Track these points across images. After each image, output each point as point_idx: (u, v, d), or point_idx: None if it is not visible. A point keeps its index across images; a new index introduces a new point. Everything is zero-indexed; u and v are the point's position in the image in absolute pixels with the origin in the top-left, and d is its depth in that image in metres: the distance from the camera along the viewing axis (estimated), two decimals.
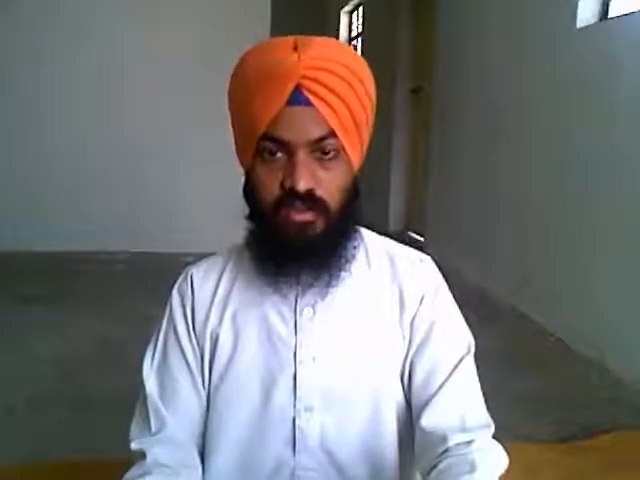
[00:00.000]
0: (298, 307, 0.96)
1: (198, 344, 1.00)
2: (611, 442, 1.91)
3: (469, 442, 0.89)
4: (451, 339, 0.97)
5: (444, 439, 0.90)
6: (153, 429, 0.96)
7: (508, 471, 0.89)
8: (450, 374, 0.95)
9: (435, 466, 0.89)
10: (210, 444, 0.99)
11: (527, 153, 3.65)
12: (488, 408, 0.97)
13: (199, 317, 1.00)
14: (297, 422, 0.95)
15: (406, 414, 0.98)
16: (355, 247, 0.97)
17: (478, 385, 0.98)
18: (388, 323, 0.98)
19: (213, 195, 4.46)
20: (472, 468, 0.84)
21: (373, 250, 1.02)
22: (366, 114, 0.92)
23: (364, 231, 1.02)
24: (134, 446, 0.96)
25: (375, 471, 0.97)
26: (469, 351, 0.98)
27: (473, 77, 4.36)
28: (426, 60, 5.37)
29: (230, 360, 0.98)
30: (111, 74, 4.60)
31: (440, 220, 4.82)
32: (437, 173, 5.00)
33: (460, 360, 0.96)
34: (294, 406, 0.95)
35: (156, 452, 0.93)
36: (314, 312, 0.96)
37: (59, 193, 4.62)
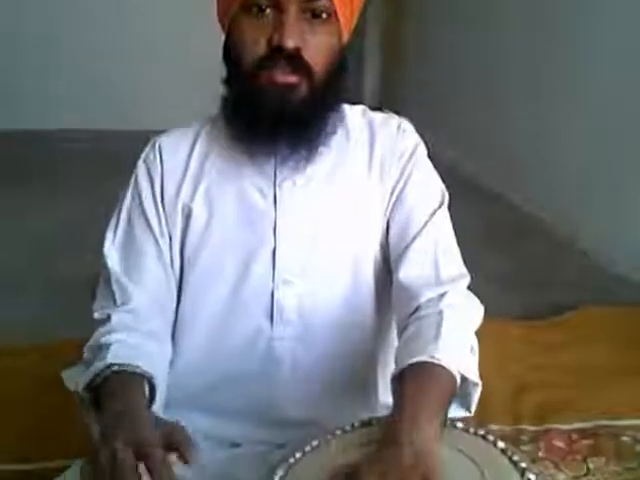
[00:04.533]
0: (277, 180, 0.94)
1: (167, 219, 0.97)
2: (578, 318, 1.97)
3: (441, 295, 0.90)
4: (425, 192, 0.98)
5: (417, 295, 0.91)
6: (118, 302, 0.94)
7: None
8: (424, 225, 0.95)
9: (406, 327, 0.91)
10: (183, 322, 0.98)
11: (500, 23, 3.51)
12: None
13: (169, 190, 0.97)
14: (275, 295, 0.95)
15: (386, 282, 0.99)
16: (336, 122, 0.94)
17: (452, 237, 0.99)
18: (368, 192, 0.97)
19: (184, 68, 4.24)
20: (437, 333, 0.85)
21: (353, 122, 0.99)
22: None
23: (345, 105, 0.99)
24: (98, 315, 0.94)
25: (352, 340, 0.98)
26: (443, 203, 0.98)
27: None
28: None
29: (204, 236, 0.96)
30: None
31: (414, 96, 4.72)
32: (413, 49, 4.82)
33: (434, 212, 0.96)
34: (273, 280, 0.95)
35: (123, 317, 0.92)
36: (293, 184, 0.94)
37: (23, 69, 4.34)
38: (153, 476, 0.68)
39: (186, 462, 0.73)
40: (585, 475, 1.22)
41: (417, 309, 0.92)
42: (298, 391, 0.97)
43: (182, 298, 0.98)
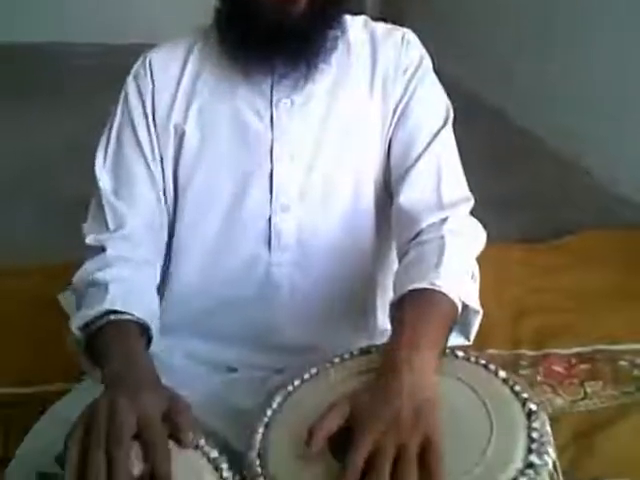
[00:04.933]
0: (274, 99, 0.90)
1: (158, 138, 0.93)
2: (579, 240, 1.95)
3: (443, 220, 0.88)
4: (429, 109, 0.94)
5: (418, 220, 0.89)
6: (111, 226, 0.91)
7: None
8: (427, 145, 0.92)
9: (406, 253, 0.88)
10: (179, 247, 0.96)
11: None
12: None
13: (160, 108, 0.92)
14: (273, 221, 0.92)
15: (386, 206, 0.96)
16: (337, 36, 0.89)
17: (457, 158, 0.95)
18: (370, 111, 0.93)
19: None
20: (438, 260, 0.83)
21: (355, 35, 0.94)
22: None
23: (347, 16, 0.93)
24: (90, 241, 0.91)
25: (351, 265, 0.97)
26: (448, 121, 0.94)
27: None
28: None
29: (198, 158, 0.92)
30: None
31: (417, 7, 4.54)
32: None
33: (438, 131, 0.93)
34: (270, 205, 0.92)
35: (117, 246, 0.90)
36: (291, 104, 0.90)
37: None
38: (148, 451, 0.66)
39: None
40: (582, 399, 1.23)
41: (418, 234, 0.89)
42: (296, 316, 0.96)
43: (177, 222, 0.95)
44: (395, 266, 1.00)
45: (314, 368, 0.81)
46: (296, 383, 0.79)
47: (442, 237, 0.86)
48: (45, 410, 0.89)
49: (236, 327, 0.97)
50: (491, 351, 1.39)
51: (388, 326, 0.85)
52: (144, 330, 0.84)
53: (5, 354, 1.42)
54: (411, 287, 0.80)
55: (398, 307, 0.80)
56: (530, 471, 0.62)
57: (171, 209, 0.96)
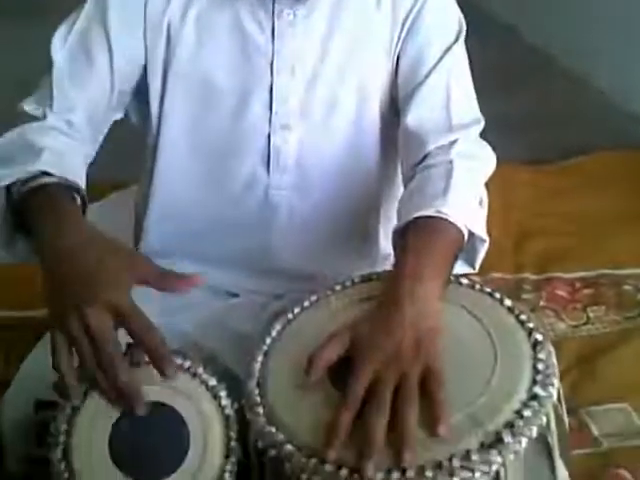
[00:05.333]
0: (275, 10, 0.85)
1: (146, 35, 0.88)
2: (588, 162, 1.90)
3: (452, 143, 0.84)
4: (441, 22, 0.89)
5: (426, 141, 0.85)
6: (56, 109, 0.86)
7: None
8: (437, 61, 0.87)
9: (413, 177, 0.85)
10: (171, 162, 0.92)
11: None
12: None
13: (154, 4, 0.87)
14: (272, 139, 0.89)
15: (392, 128, 0.92)
16: None
17: (468, 76, 0.91)
18: (377, 24, 0.88)
19: None
20: (446, 186, 0.79)
21: None
22: None
23: None
24: (30, 109, 0.86)
25: (353, 189, 0.94)
26: (459, 36, 0.89)
27: None
28: None
29: (193, 67, 0.88)
30: None
31: None
32: None
33: (449, 47, 0.88)
34: (269, 122, 0.88)
35: (59, 122, 0.85)
36: (294, 16, 0.85)
37: None
38: (144, 345, 0.64)
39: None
40: (585, 324, 1.22)
41: (425, 157, 0.85)
42: (295, 241, 0.94)
43: (165, 133, 0.91)
44: (400, 192, 0.97)
45: (314, 295, 0.79)
46: (296, 310, 0.77)
47: (450, 161, 0.82)
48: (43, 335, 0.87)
49: (234, 251, 0.95)
50: (494, 275, 1.37)
51: (391, 252, 0.83)
52: (80, 197, 0.80)
53: (4, 276, 1.41)
54: (416, 214, 0.77)
55: (402, 234, 0.78)
56: (534, 403, 0.60)
57: (156, 118, 0.91)
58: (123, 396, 0.63)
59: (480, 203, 0.83)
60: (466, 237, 0.78)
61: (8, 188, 0.76)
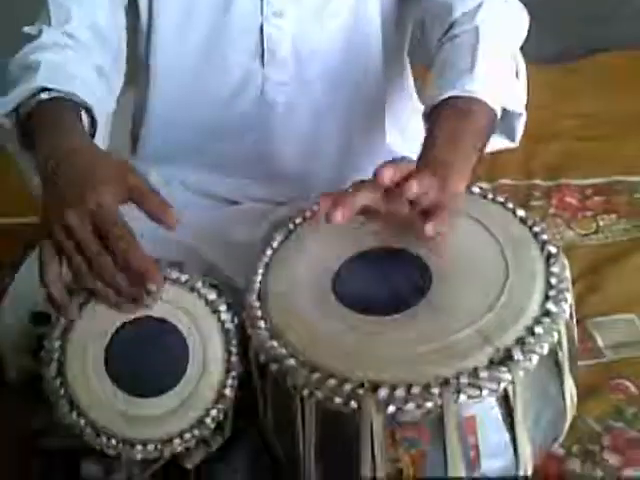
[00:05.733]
0: None
1: None
2: (609, 60, 1.79)
3: (477, 7, 0.78)
4: None
5: (450, 9, 0.79)
6: (53, 22, 0.81)
7: None
8: None
9: (437, 54, 0.80)
10: (158, 63, 0.87)
11: None
12: None
13: None
14: (265, 30, 0.83)
15: (395, 15, 0.87)
16: None
17: None
18: None
19: None
20: (472, 59, 0.73)
21: None
22: None
23: None
24: (27, 29, 0.82)
25: (355, 82, 0.89)
26: None
27: None
28: None
29: None
30: None
31: None
32: None
33: None
34: (261, 12, 0.83)
35: (57, 35, 0.80)
36: None
37: None
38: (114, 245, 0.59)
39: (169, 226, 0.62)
40: (594, 233, 1.19)
41: (451, 27, 0.79)
42: (295, 139, 0.90)
43: (153, 36, 0.86)
44: (408, 84, 0.94)
45: (316, 205, 0.76)
46: (297, 220, 0.74)
47: (476, 29, 0.76)
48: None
49: (232, 156, 0.91)
50: (503, 181, 1.32)
51: (402, 150, 0.80)
52: (87, 111, 0.75)
53: None
54: (442, 96, 0.71)
55: (428, 119, 0.73)
56: (546, 319, 0.58)
57: (145, 22, 0.86)
58: (124, 294, 0.60)
59: (516, 73, 0.78)
60: (499, 114, 0.73)
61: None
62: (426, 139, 0.71)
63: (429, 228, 0.59)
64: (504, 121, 0.75)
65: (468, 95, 0.70)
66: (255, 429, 0.68)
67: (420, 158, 0.67)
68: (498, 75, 0.74)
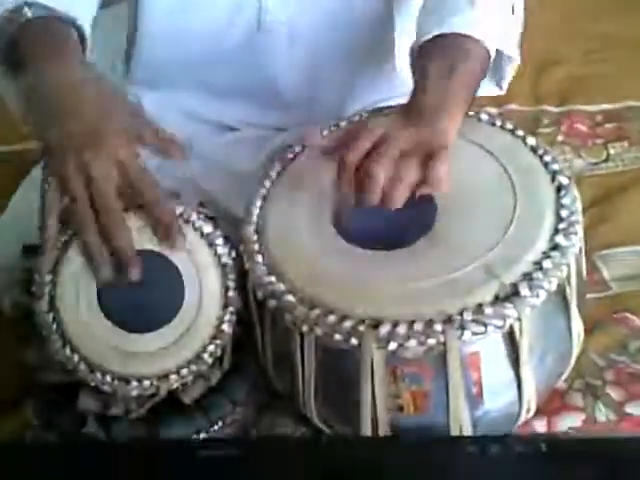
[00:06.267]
0: None
1: None
2: None
3: None
4: None
5: None
6: None
7: None
8: None
9: None
10: None
11: None
12: None
13: None
14: None
15: None
16: None
17: None
18: None
19: None
20: None
21: None
22: None
23: None
24: None
25: (360, 16, 0.84)
26: None
27: None
28: None
29: None
30: None
31: None
32: None
33: None
34: None
35: None
36: None
37: None
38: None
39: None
40: (604, 161, 1.14)
41: None
42: (296, 68, 0.85)
43: None
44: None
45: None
46: (297, 149, 0.71)
47: None
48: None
49: (227, 79, 0.86)
50: (511, 107, 1.26)
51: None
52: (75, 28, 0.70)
53: None
54: (435, 32, 0.67)
55: (420, 56, 0.69)
56: (555, 253, 0.56)
57: None
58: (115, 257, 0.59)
59: (512, 11, 0.73)
60: (492, 55, 0.69)
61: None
62: (417, 81, 0.67)
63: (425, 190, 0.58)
64: (494, 65, 0.71)
65: (461, 33, 0.66)
66: (254, 362, 0.67)
67: (412, 97, 0.65)
68: (495, 13, 0.70)
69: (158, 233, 0.60)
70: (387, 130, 0.61)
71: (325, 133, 0.72)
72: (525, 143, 0.66)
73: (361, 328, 0.53)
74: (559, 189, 0.61)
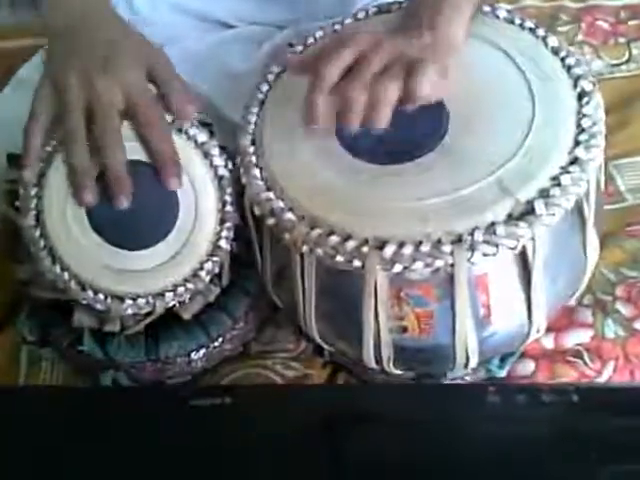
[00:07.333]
0: None
1: None
2: None
3: None
4: None
5: None
6: None
7: None
8: None
9: None
10: None
11: None
12: None
13: None
14: None
15: None
16: None
17: None
18: None
19: None
20: None
21: None
22: None
23: None
24: None
25: None
26: None
27: None
28: None
29: None
30: None
31: None
32: None
33: None
34: None
35: None
36: None
37: None
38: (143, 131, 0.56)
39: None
40: (626, 62, 1.08)
41: None
42: None
43: None
44: None
45: (319, 31, 0.67)
46: (298, 48, 0.66)
47: None
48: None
49: None
50: (528, 2, 1.18)
51: None
52: None
53: None
54: None
55: None
56: (575, 168, 0.51)
57: None
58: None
59: None
60: None
61: None
62: None
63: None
64: None
65: None
66: (254, 276, 0.65)
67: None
68: None
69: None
70: (375, 38, 0.55)
71: (319, 34, 0.66)
72: (546, 44, 0.60)
73: (365, 249, 0.50)
74: (581, 96, 0.56)
